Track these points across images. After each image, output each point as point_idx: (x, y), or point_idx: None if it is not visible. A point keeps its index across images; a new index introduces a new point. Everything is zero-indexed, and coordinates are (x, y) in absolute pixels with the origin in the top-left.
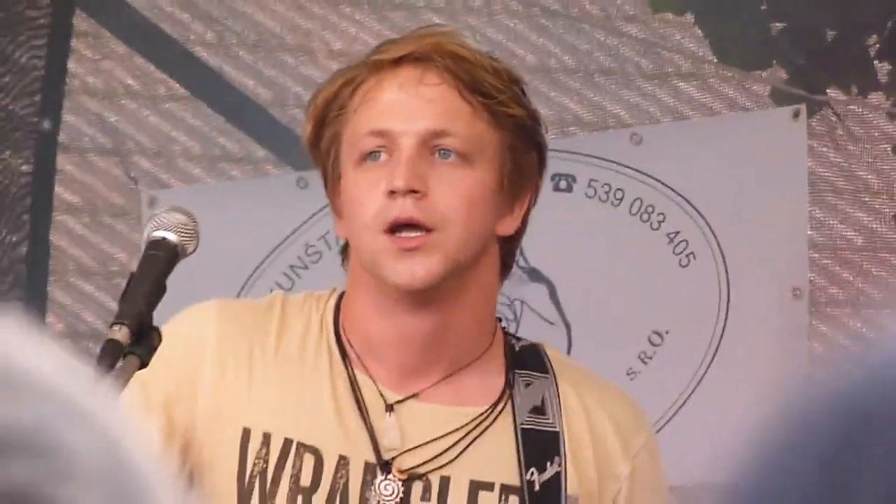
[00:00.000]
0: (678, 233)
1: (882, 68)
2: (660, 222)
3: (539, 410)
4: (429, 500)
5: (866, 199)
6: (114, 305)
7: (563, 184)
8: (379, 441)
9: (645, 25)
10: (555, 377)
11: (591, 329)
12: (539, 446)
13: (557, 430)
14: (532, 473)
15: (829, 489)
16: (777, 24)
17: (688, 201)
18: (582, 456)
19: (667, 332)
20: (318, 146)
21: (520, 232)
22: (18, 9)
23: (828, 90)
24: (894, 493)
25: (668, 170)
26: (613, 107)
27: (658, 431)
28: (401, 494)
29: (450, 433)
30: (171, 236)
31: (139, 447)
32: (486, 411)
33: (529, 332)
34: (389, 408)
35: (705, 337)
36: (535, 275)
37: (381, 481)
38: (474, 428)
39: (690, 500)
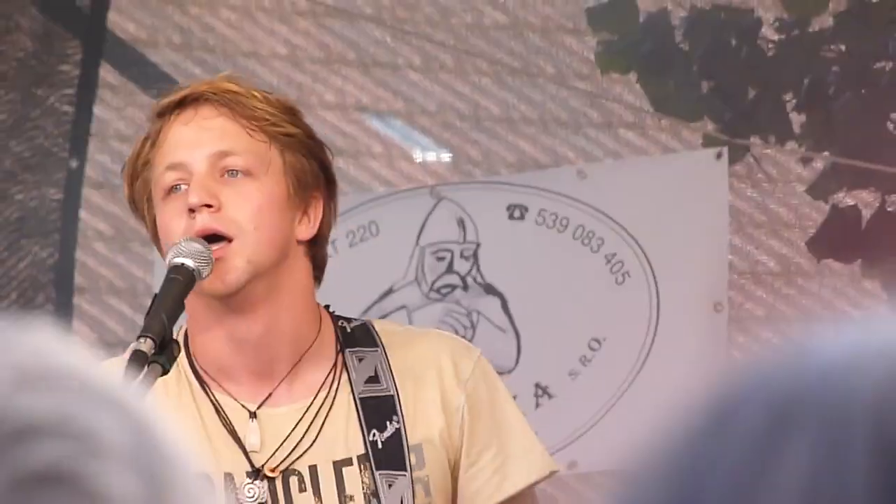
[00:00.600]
0: (615, 255)
1: (797, 120)
2: (599, 246)
3: (373, 380)
4: (305, 489)
5: (781, 230)
6: (137, 319)
7: (517, 213)
8: (248, 450)
9: (593, 82)
10: (383, 347)
11: (537, 336)
12: (377, 411)
13: (391, 392)
14: (374, 434)
15: (747, 469)
16: (707, 83)
17: (624, 228)
18: (421, 408)
19: (604, 339)
20: (134, 199)
21: (322, 236)
22: (53, 62)
23: (750, 138)
24: (810, 472)
25: (608, 201)
26: (564, 150)
27: (596, 423)
28: (264, 495)
29: (300, 424)
30: (190, 262)
31: (166, 434)
32: (325, 395)
33: (484, 338)
34: (252, 415)
35: (637, 343)
36: (489, 289)
37: (246, 485)
38: (318, 412)
39: (621, 481)
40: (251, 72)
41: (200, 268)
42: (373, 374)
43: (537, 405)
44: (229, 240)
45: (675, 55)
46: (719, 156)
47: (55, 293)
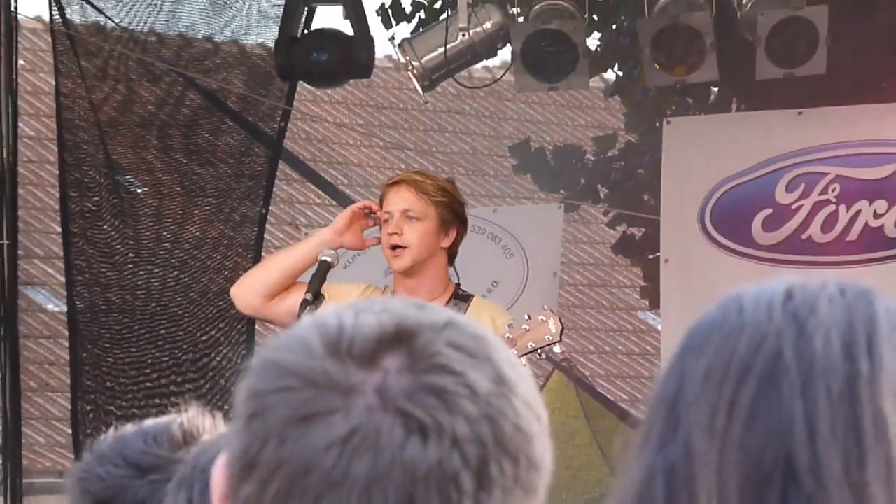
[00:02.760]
0: (507, 246)
1: (601, 191)
2: (499, 242)
3: None
4: None
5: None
6: None
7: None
8: None
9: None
10: (468, 304)
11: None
12: None
13: None
14: None
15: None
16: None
17: (512, 235)
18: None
19: (498, 283)
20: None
21: (454, 246)
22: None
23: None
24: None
25: (505, 223)
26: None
27: None
28: None
29: None
30: (327, 258)
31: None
32: None
33: None
34: None
35: (515, 288)
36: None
37: None
38: None
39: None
40: None
41: (332, 261)
42: (463, 312)
43: None
44: (404, 247)
45: None
46: (559, 207)
47: None
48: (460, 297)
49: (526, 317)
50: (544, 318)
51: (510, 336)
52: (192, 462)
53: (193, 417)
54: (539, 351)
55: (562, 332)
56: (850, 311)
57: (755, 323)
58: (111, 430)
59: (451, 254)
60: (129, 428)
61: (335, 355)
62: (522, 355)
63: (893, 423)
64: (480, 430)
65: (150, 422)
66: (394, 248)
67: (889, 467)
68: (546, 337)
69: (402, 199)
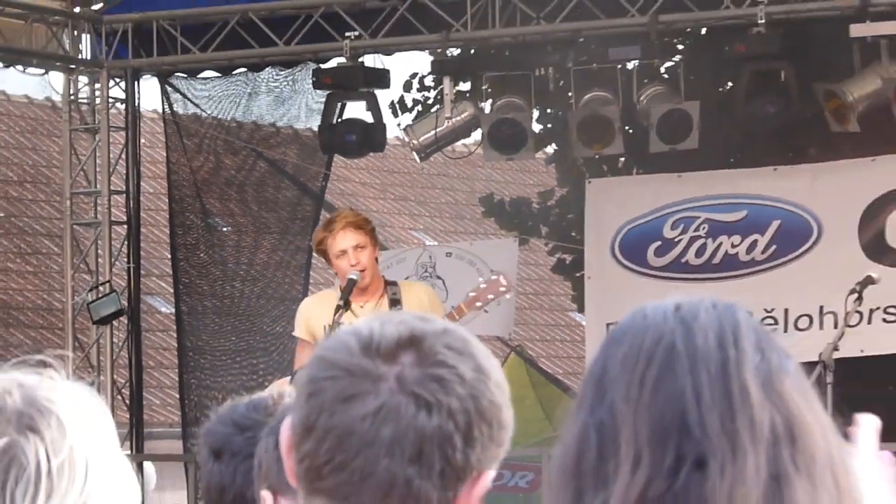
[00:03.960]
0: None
1: (543, 229)
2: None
3: (395, 303)
4: None
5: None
6: None
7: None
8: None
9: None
10: (398, 286)
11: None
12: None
13: (401, 306)
14: None
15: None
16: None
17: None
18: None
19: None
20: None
21: (377, 259)
22: None
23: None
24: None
25: (478, 252)
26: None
27: None
28: None
29: (375, 310)
30: (355, 276)
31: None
32: (376, 303)
33: None
34: (361, 307)
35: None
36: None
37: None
38: (376, 307)
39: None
40: None
41: (357, 278)
42: (397, 299)
43: None
44: (363, 269)
45: None
46: (516, 240)
47: None
48: (390, 283)
49: (481, 279)
50: (495, 277)
51: (470, 295)
52: (279, 417)
53: (279, 391)
54: (496, 298)
55: (510, 285)
56: (720, 318)
57: (656, 325)
58: (228, 401)
59: (376, 262)
60: (240, 399)
61: (367, 354)
62: (485, 305)
63: (753, 391)
64: (467, 405)
65: (255, 395)
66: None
67: (752, 421)
68: (500, 288)
69: (351, 238)
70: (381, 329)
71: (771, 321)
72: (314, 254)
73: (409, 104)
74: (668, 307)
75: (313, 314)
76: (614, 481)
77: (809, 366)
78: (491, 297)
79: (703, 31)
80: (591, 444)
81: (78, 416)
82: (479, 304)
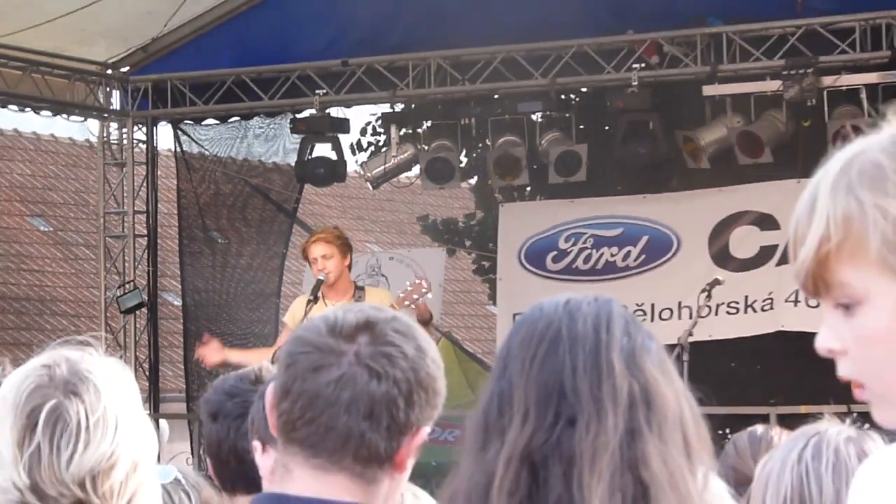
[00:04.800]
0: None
1: (467, 242)
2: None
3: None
4: None
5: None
6: None
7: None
8: None
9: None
10: (364, 291)
11: None
12: None
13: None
14: None
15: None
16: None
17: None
18: None
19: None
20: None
21: (350, 262)
22: None
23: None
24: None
25: (415, 258)
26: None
27: None
28: None
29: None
30: (322, 277)
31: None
32: (346, 301)
33: None
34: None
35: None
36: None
37: None
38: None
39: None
40: None
41: (323, 279)
42: (362, 300)
43: None
44: (328, 273)
45: None
46: (444, 251)
47: None
48: (358, 288)
49: (408, 282)
50: (418, 281)
51: (400, 295)
52: (266, 384)
53: (263, 366)
54: (420, 298)
55: (430, 286)
56: (598, 309)
57: (547, 315)
58: (221, 375)
59: (349, 266)
60: (231, 373)
61: (332, 335)
62: (411, 303)
63: (617, 365)
64: (408, 375)
65: (241, 370)
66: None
67: (614, 389)
68: (422, 290)
69: (320, 249)
70: (344, 316)
71: (641, 313)
72: (303, 259)
73: (365, 145)
74: (560, 301)
75: (297, 307)
76: (509, 432)
77: (671, 347)
78: (416, 296)
79: (590, 90)
80: (494, 405)
81: (110, 383)
82: (407, 302)
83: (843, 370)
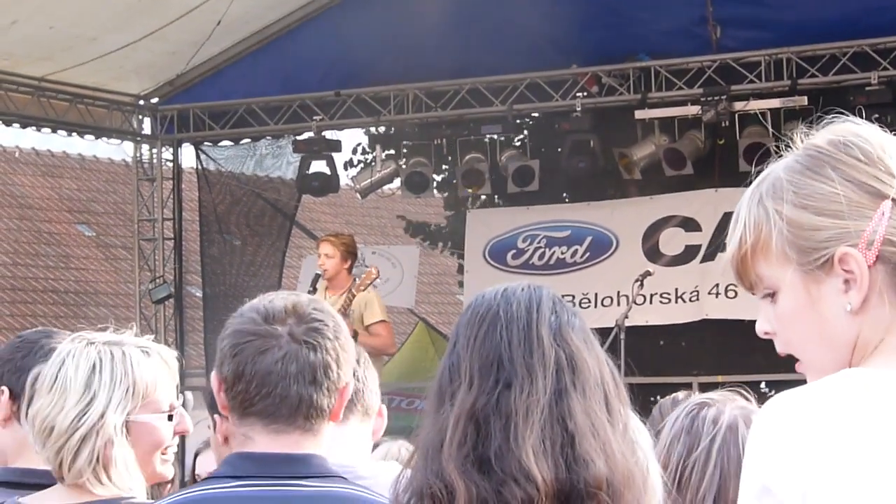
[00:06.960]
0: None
1: (440, 241)
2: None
3: (350, 298)
4: None
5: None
6: None
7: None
8: None
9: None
10: (355, 293)
11: None
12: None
13: (353, 297)
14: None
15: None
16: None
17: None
18: None
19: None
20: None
21: (351, 265)
22: None
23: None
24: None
25: (393, 252)
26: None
27: None
28: None
29: (338, 301)
30: (319, 271)
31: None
32: (340, 295)
33: None
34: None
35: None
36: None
37: None
38: (343, 299)
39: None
40: None
41: (320, 273)
42: (352, 297)
43: None
44: (326, 269)
45: None
46: (419, 248)
47: None
48: (352, 287)
49: (363, 272)
50: (368, 269)
51: (357, 282)
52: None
53: None
54: (372, 282)
55: (378, 272)
56: (529, 294)
57: (488, 300)
58: None
59: (350, 268)
60: None
61: (267, 321)
62: (365, 288)
63: (545, 338)
64: (335, 343)
65: None
66: (324, 271)
67: (544, 357)
68: (372, 276)
69: (325, 248)
70: (272, 304)
71: (586, 301)
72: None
73: (355, 162)
74: (499, 289)
75: None
76: (457, 396)
77: (610, 329)
78: (368, 282)
79: (541, 115)
80: (446, 375)
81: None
82: (362, 288)
83: (779, 347)
